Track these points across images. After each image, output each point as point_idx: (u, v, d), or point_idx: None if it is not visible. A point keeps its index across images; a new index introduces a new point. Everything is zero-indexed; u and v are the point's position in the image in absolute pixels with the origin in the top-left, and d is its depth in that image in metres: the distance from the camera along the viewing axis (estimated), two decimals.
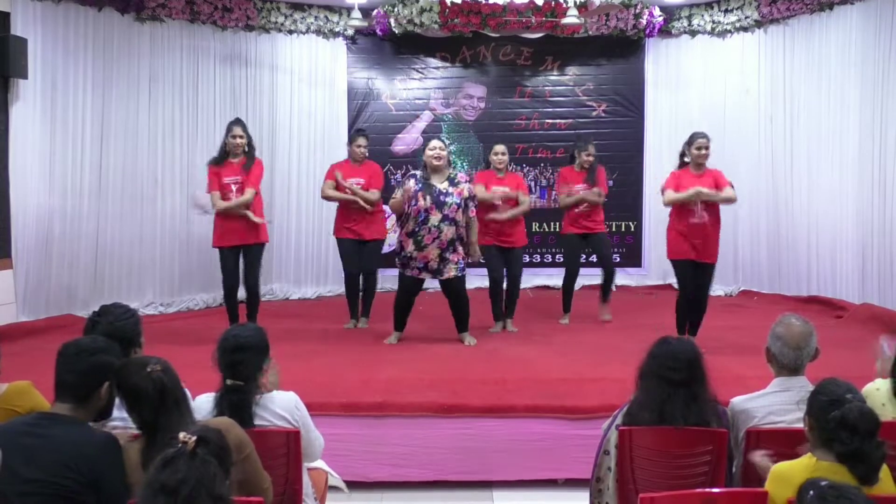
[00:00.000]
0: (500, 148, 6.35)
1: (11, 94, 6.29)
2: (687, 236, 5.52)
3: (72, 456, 2.24)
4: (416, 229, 5.41)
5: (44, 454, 2.23)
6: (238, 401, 2.75)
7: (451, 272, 5.50)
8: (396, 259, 5.64)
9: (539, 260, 8.73)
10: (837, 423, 2.30)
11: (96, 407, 2.42)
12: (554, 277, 8.59)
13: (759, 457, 2.74)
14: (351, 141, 6.66)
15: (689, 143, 5.57)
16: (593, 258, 7.55)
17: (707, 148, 5.52)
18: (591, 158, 6.50)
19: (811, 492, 2.02)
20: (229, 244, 5.97)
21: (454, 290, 5.66)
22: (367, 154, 6.58)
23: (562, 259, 8.68)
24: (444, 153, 5.55)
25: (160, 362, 2.43)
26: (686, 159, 5.59)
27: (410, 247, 5.45)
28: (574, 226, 6.58)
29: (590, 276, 7.60)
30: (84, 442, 2.29)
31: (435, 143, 5.61)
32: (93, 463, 2.25)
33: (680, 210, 5.54)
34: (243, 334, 2.88)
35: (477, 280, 7.03)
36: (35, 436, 2.27)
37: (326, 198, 6.62)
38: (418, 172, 5.61)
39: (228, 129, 5.98)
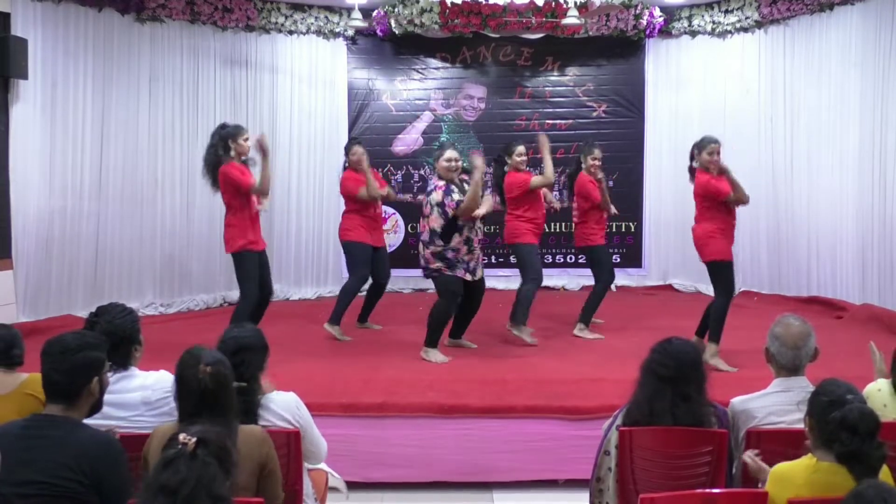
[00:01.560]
0: (521, 149, 6.16)
1: (11, 95, 6.29)
2: (729, 234, 5.35)
3: (72, 457, 2.22)
4: (470, 235, 5.36)
5: (44, 456, 2.21)
6: (243, 402, 2.75)
7: (481, 272, 5.55)
8: (441, 263, 5.29)
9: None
10: (838, 423, 2.30)
11: (88, 403, 2.39)
12: (553, 278, 8.62)
13: (748, 457, 2.74)
14: (346, 151, 6.35)
15: (701, 147, 5.27)
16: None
17: (719, 153, 5.24)
18: (598, 163, 6.33)
19: (853, 490, 2.04)
20: (260, 248, 5.63)
21: (481, 291, 5.63)
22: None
23: (562, 259, 8.72)
24: (459, 164, 5.51)
25: (215, 362, 2.43)
26: (695, 164, 5.33)
27: (465, 251, 5.36)
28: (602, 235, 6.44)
29: (587, 277, 7.62)
30: (84, 443, 2.27)
31: (452, 153, 5.44)
32: (94, 463, 2.23)
33: (721, 209, 5.28)
34: (243, 335, 2.88)
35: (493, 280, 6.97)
36: (34, 438, 2.25)
37: (375, 197, 6.25)
38: (441, 182, 5.38)
39: (240, 133, 5.60)
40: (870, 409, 2.34)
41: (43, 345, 2.40)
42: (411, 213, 8.39)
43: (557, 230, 8.67)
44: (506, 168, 6.12)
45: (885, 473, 2.33)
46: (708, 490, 2.67)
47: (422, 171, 8.69)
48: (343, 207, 6.49)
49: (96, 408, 2.45)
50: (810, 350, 3.00)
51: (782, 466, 2.46)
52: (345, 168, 6.40)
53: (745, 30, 8.23)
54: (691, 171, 5.42)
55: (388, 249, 7.43)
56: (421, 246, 5.38)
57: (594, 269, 6.53)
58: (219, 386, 2.40)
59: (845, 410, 2.30)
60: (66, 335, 2.41)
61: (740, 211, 7.72)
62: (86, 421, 2.61)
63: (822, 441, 2.37)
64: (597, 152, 6.37)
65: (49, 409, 2.35)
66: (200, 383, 2.38)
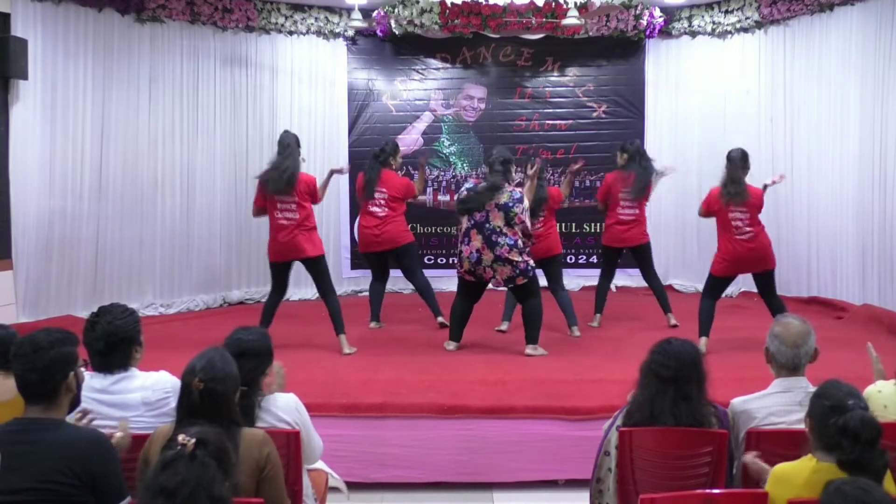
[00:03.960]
0: None
1: (11, 95, 6.29)
2: None
3: (63, 459, 2.19)
4: None
5: (33, 461, 2.17)
6: (242, 405, 2.75)
7: None
8: (532, 261, 5.48)
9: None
10: (839, 431, 2.27)
11: (67, 400, 2.36)
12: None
13: (749, 458, 2.73)
14: (396, 153, 6.56)
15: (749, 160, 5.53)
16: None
17: None
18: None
19: (831, 485, 2.04)
20: None
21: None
22: None
23: (562, 260, 8.72)
24: None
25: (211, 378, 2.41)
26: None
27: None
28: None
29: (588, 278, 7.65)
30: (72, 443, 2.23)
31: None
32: (85, 462, 2.21)
33: None
34: (247, 338, 2.87)
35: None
36: (20, 443, 2.20)
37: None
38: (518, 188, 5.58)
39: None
40: (871, 417, 2.31)
41: (14, 347, 2.37)
42: (411, 215, 8.36)
43: (558, 230, 8.65)
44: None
45: (888, 480, 2.32)
46: (708, 490, 2.67)
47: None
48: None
49: (75, 404, 2.43)
50: (810, 349, 2.99)
51: (782, 467, 2.46)
52: (381, 167, 6.45)
53: (746, 30, 8.23)
54: (742, 184, 5.43)
55: None
56: (516, 254, 5.31)
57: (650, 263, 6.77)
58: (209, 401, 2.38)
59: (847, 417, 2.27)
60: (36, 334, 2.36)
61: None
62: (83, 422, 2.62)
63: (823, 444, 2.36)
64: None
65: (29, 411, 2.30)
66: (192, 397, 2.38)
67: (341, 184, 8.21)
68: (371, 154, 6.67)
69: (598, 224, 8.10)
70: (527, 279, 5.40)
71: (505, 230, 5.30)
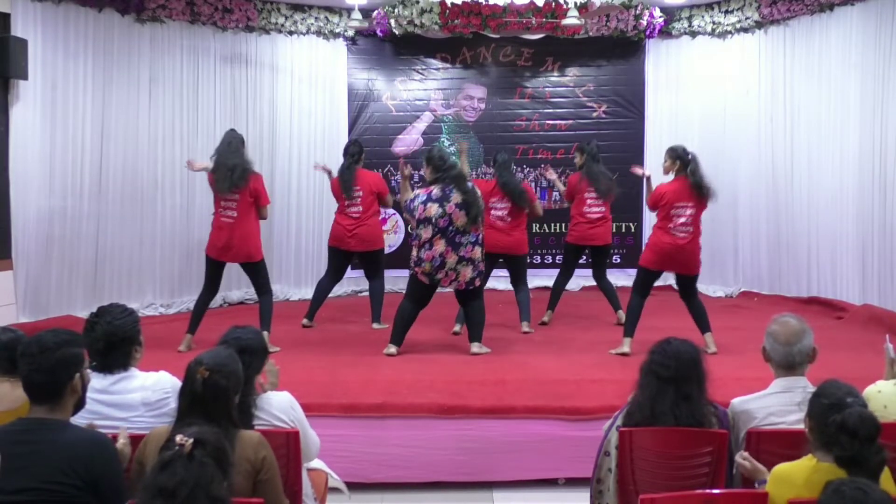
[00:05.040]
0: None
1: (11, 95, 6.28)
2: None
3: (65, 460, 2.19)
4: None
5: (36, 461, 2.18)
6: (238, 403, 2.75)
7: None
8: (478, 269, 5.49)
9: (539, 261, 8.72)
10: (837, 427, 2.28)
11: (72, 401, 2.36)
12: (553, 279, 8.60)
13: (742, 457, 2.73)
14: (362, 153, 6.68)
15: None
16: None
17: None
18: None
19: (830, 486, 2.04)
20: None
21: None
22: None
23: (561, 260, 8.72)
24: None
25: (215, 370, 2.40)
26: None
27: None
28: None
29: (588, 278, 7.65)
30: (75, 444, 2.24)
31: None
32: (88, 463, 2.21)
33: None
34: (245, 336, 2.89)
35: (493, 281, 7.04)
36: (24, 443, 2.21)
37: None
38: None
39: None
40: (869, 413, 2.32)
41: (20, 346, 2.37)
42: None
43: (557, 230, 8.66)
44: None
45: (886, 476, 2.32)
46: (708, 490, 2.67)
47: (422, 172, 8.67)
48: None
49: (80, 405, 2.43)
50: (805, 348, 2.98)
51: (783, 467, 2.46)
52: (356, 166, 6.51)
53: (746, 30, 8.23)
54: (706, 186, 5.42)
55: (389, 250, 7.59)
56: (479, 251, 5.38)
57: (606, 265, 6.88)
58: (211, 394, 2.38)
59: (845, 414, 2.28)
60: (43, 334, 2.35)
61: (741, 210, 7.85)
62: (82, 422, 2.61)
63: (822, 443, 2.37)
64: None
65: (34, 411, 2.30)
66: (194, 385, 2.37)
67: None
68: (345, 153, 6.63)
69: None
70: (478, 283, 5.47)
71: (468, 228, 5.31)
